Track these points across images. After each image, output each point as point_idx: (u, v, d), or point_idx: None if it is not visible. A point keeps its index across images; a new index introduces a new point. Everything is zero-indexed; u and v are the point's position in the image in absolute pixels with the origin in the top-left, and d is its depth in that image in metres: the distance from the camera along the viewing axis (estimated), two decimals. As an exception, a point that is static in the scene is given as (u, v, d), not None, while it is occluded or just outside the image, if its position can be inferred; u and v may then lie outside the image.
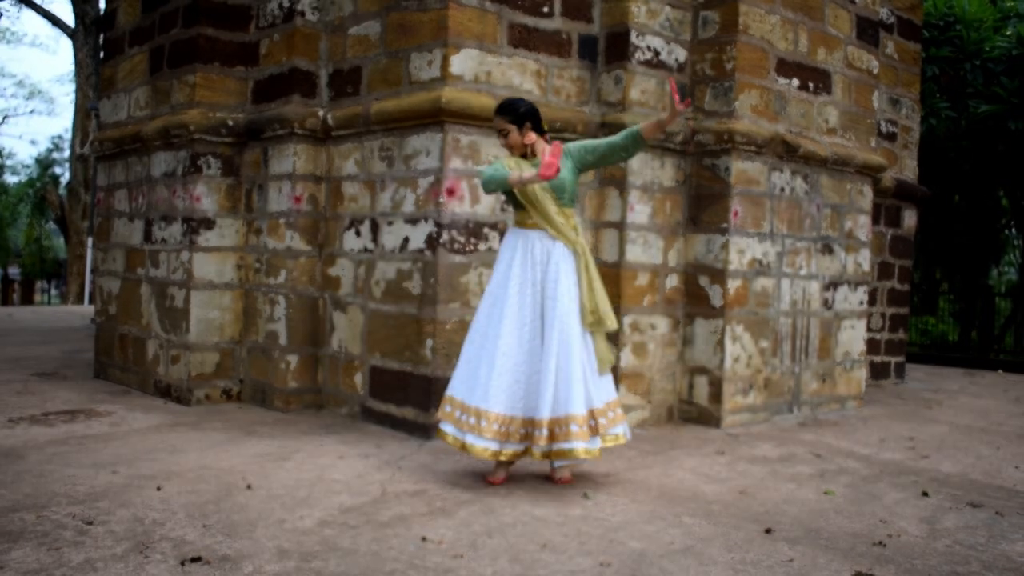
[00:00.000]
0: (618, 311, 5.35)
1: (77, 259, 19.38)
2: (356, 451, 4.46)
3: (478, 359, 3.84)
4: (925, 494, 4.00)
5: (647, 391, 5.51)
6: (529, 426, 3.81)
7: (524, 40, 5.15)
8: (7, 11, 25.68)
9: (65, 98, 49.00)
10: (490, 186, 3.87)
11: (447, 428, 3.85)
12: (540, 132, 3.97)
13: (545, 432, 3.74)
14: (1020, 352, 11.36)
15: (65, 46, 58.95)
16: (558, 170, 3.62)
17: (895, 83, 8.08)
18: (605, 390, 3.93)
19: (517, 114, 3.92)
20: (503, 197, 4.98)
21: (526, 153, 3.97)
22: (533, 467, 4.20)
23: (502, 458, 3.82)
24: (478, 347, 3.87)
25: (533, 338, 3.84)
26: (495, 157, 4.75)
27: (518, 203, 3.92)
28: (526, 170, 3.82)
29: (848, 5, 6.34)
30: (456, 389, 3.89)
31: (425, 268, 4.87)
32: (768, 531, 3.34)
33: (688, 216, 5.72)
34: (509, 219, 5.03)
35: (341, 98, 5.51)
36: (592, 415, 3.81)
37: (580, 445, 3.72)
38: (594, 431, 3.79)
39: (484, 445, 3.75)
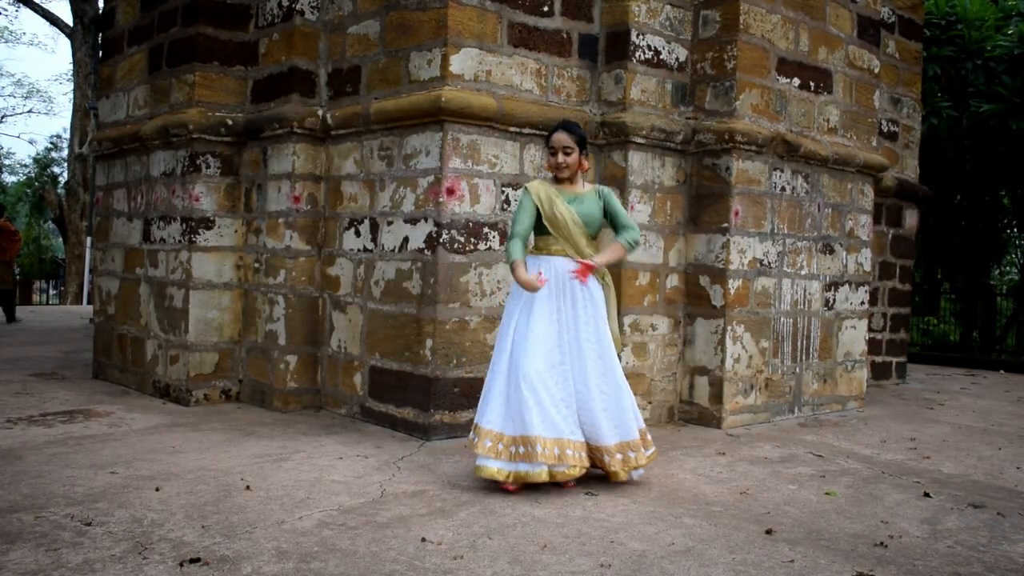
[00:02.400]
0: (619, 311, 5.33)
1: (76, 259, 19.36)
2: (355, 452, 4.45)
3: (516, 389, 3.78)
4: (926, 495, 3.99)
5: (647, 391, 5.49)
6: (591, 451, 3.86)
7: (524, 39, 5.14)
8: (5, 10, 25.69)
9: (63, 97, 48.98)
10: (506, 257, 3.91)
11: (494, 464, 3.74)
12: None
13: (620, 457, 3.85)
14: (1022, 352, 11.35)
15: (63, 45, 58.91)
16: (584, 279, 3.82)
17: (896, 82, 8.06)
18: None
19: (582, 136, 3.96)
20: (511, 204, 4.98)
21: (568, 178, 3.96)
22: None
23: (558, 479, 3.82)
24: (507, 376, 3.83)
25: (563, 362, 3.84)
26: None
27: (545, 231, 3.91)
28: (559, 204, 3.86)
29: (849, 4, 6.32)
30: (496, 423, 3.79)
31: (425, 268, 4.85)
32: (769, 532, 3.33)
33: (689, 216, 5.70)
34: (508, 218, 5.01)
35: (340, 97, 5.50)
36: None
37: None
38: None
39: (538, 470, 3.73)
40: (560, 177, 3.97)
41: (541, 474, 3.71)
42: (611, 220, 4.03)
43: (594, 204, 3.95)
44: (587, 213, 3.92)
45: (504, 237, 5.00)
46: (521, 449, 3.70)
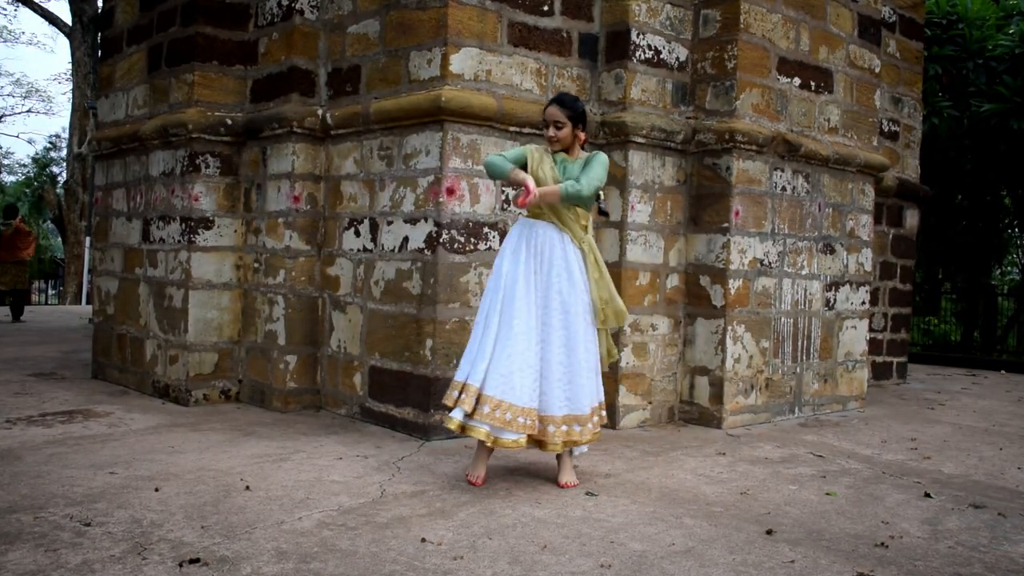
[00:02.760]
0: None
1: (75, 259, 19.36)
2: (355, 452, 4.44)
3: (503, 350, 3.78)
4: (927, 495, 3.98)
5: (648, 391, 5.48)
6: (543, 421, 3.82)
7: (524, 39, 5.13)
8: (5, 9, 25.68)
9: (63, 97, 49.01)
10: (491, 170, 3.93)
11: (484, 425, 3.73)
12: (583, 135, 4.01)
13: (564, 428, 3.81)
14: (1022, 352, 11.34)
15: (63, 45, 58.93)
16: (528, 203, 3.75)
17: (897, 82, 8.05)
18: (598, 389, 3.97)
19: (575, 111, 3.94)
20: (511, 204, 4.96)
21: (567, 149, 3.97)
22: (532, 468, 4.18)
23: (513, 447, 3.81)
24: (494, 338, 3.81)
25: (539, 328, 3.83)
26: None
27: None
28: (545, 164, 3.89)
29: (850, 4, 6.31)
30: (480, 380, 3.77)
31: (425, 268, 4.84)
32: (769, 532, 3.32)
33: (689, 216, 5.70)
34: (508, 218, 5.00)
35: (340, 97, 5.49)
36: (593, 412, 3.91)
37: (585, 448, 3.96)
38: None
39: (514, 438, 3.73)
40: (555, 149, 3.98)
41: (483, 433, 3.73)
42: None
43: (578, 167, 3.92)
44: (571, 174, 3.89)
45: (504, 237, 4.98)
46: (503, 414, 3.71)
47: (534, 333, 3.80)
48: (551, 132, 3.92)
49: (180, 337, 5.78)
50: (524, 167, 3.89)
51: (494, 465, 4.21)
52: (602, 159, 3.92)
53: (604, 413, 4.00)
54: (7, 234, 11.98)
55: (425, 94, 4.80)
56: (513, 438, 3.72)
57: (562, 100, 3.94)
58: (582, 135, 3.96)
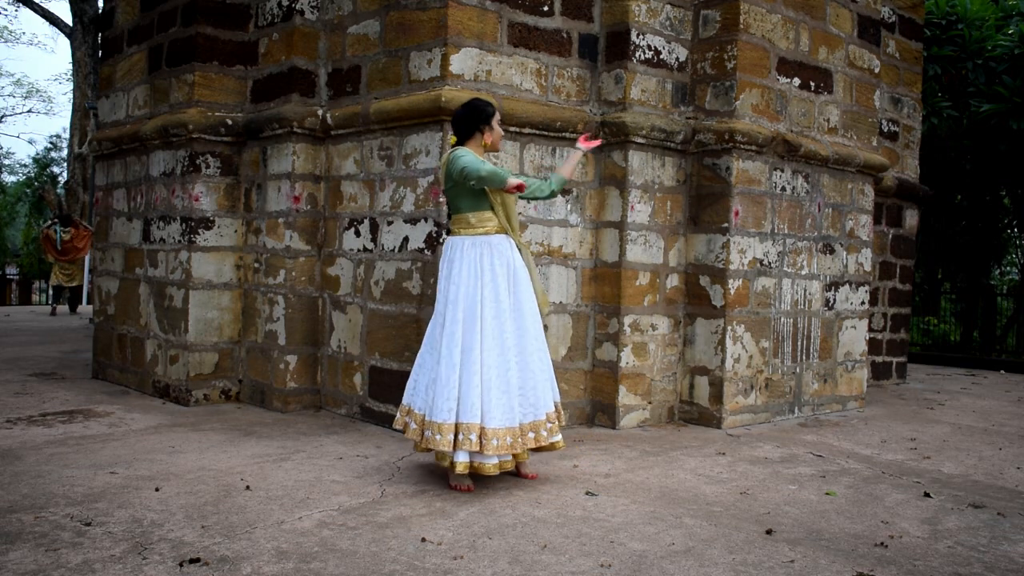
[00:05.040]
0: (618, 311, 5.33)
1: (76, 259, 19.32)
2: (355, 452, 4.44)
3: (471, 379, 3.72)
4: (927, 495, 3.98)
5: (647, 391, 5.49)
6: (532, 429, 3.83)
7: (524, 39, 5.13)
8: (5, 10, 25.67)
9: (63, 97, 48.97)
10: (493, 180, 3.70)
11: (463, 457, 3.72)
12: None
13: (548, 428, 3.85)
14: (1022, 352, 11.34)
15: (63, 45, 58.87)
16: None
17: (897, 82, 8.06)
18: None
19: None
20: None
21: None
22: (536, 468, 4.18)
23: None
24: (454, 364, 3.74)
25: (515, 348, 3.83)
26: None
27: (483, 205, 3.82)
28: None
29: (849, 4, 6.32)
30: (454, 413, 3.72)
31: (425, 268, 4.85)
32: (769, 532, 3.32)
33: (689, 216, 5.70)
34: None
35: (340, 97, 5.50)
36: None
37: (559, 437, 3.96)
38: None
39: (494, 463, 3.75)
40: (496, 149, 4.00)
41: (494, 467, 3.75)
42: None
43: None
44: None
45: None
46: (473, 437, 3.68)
47: (513, 353, 3.80)
48: (490, 138, 3.94)
49: (180, 337, 5.78)
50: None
51: (494, 465, 4.22)
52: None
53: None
54: (67, 241, 13.30)
55: (425, 94, 4.80)
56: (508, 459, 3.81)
57: (493, 107, 4.00)
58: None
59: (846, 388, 6.42)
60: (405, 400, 3.94)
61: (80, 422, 5.04)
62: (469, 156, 3.78)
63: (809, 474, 4.32)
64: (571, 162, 4.11)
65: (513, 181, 3.70)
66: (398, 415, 3.97)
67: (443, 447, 3.69)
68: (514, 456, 3.84)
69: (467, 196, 3.83)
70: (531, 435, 3.80)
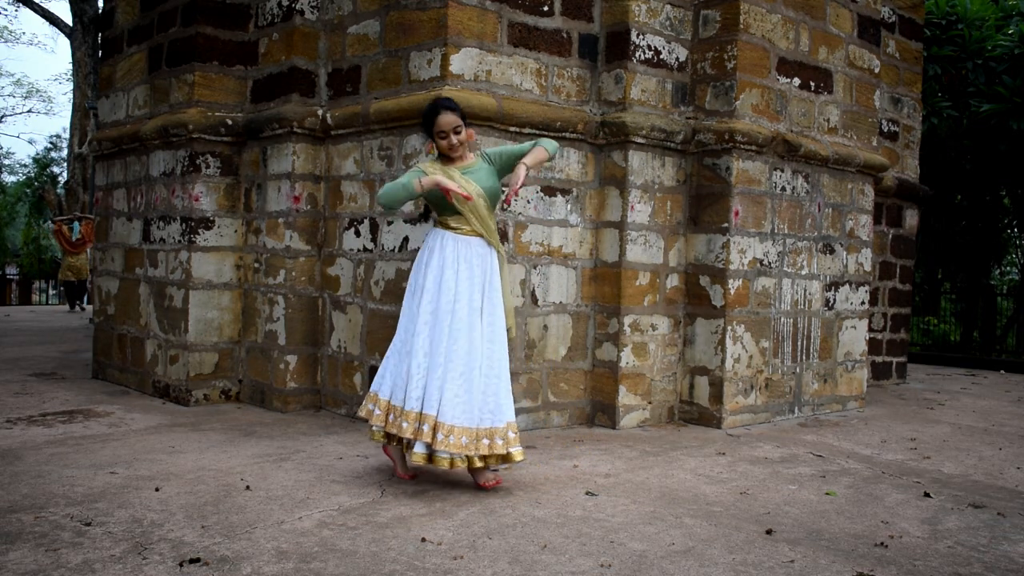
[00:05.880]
0: (618, 311, 5.33)
1: (76, 259, 19.33)
2: (355, 452, 4.44)
3: (434, 371, 3.70)
4: (927, 495, 3.98)
5: (647, 391, 5.49)
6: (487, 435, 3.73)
7: (524, 39, 5.13)
8: (5, 10, 25.67)
9: (63, 97, 49.02)
10: (390, 197, 3.73)
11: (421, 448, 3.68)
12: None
13: (506, 437, 3.74)
14: (1022, 352, 11.35)
15: (63, 45, 58.92)
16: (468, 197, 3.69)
17: (897, 82, 8.06)
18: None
19: (462, 110, 3.84)
20: (510, 203, 4.94)
21: (459, 155, 3.85)
22: (532, 468, 4.18)
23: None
24: (432, 359, 3.71)
25: (484, 348, 3.77)
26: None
27: (453, 210, 3.78)
28: (459, 180, 3.75)
29: (849, 4, 6.32)
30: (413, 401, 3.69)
31: (425, 268, 4.84)
32: (769, 532, 3.32)
33: (689, 216, 5.70)
34: (508, 218, 5.00)
35: (340, 97, 5.50)
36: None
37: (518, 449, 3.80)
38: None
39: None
40: (452, 156, 3.83)
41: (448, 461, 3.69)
42: (513, 156, 3.90)
43: (485, 171, 3.84)
44: (485, 182, 3.81)
45: (503, 237, 4.99)
46: (425, 427, 3.64)
47: (478, 354, 3.74)
48: (452, 140, 3.77)
49: (180, 337, 5.78)
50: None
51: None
52: (507, 145, 3.85)
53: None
54: (79, 236, 14.59)
55: (425, 94, 4.80)
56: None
57: (448, 104, 3.79)
58: (472, 132, 3.88)
59: (846, 388, 6.42)
60: (372, 388, 3.87)
61: (80, 422, 5.04)
62: (402, 176, 3.78)
63: (809, 474, 4.32)
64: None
65: (429, 183, 3.66)
66: (364, 402, 3.88)
67: (407, 435, 3.66)
68: (467, 458, 3.71)
69: (438, 204, 3.82)
70: (485, 441, 3.68)
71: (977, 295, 12.04)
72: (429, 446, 3.66)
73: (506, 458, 3.75)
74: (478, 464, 3.71)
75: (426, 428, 3.63)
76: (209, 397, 5.79)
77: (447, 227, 3.82)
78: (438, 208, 3.85)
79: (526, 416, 5.08)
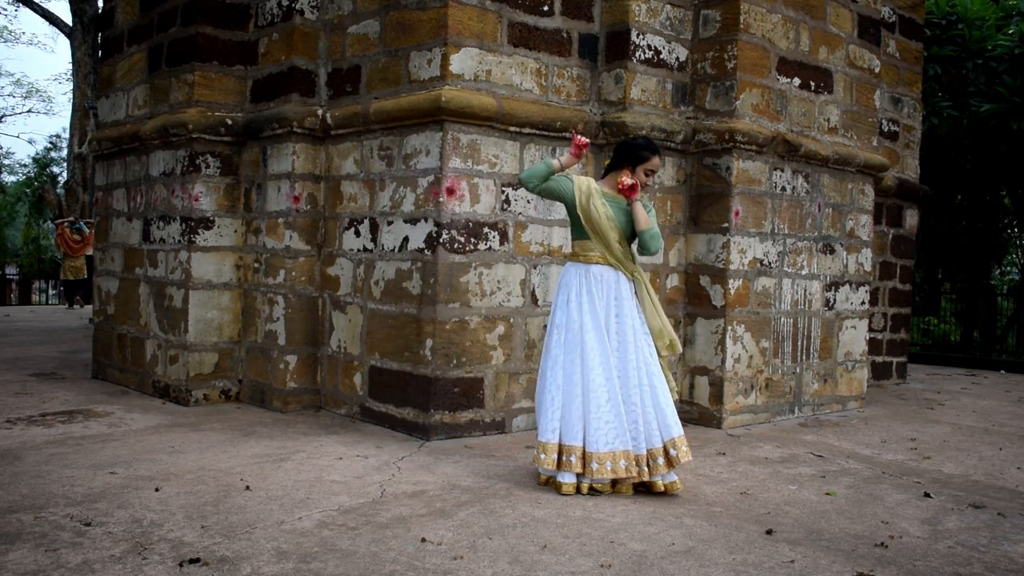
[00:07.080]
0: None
1: (76, 259, 19.33)
2: (355, 452, 4.44)
3: (573, 401, 3.78)
4: (927, 495, 3.98)
5: (648, 391, 5.48)
6: (640, 460, 3.79)
7: (524, 39, 5.13)
8: (5, 10, 25.66)
9: (63, 97, 48.95)
10: (538, 171, 3.85)
11: (567, 478, 3.76)
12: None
13: (662, 460, 3.80)
14: (1022, 352, 11.35)
15: (63, 45, 58.84)
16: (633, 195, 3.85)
17: (897, 82, 8.05)
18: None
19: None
20: (511, 204, 4.94)
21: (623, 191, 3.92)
22: (531, 469, 4.18)
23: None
24: (566, 390, 3.81)
25: (617, 374, 3.83)
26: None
27: (583, 233, 3.89)
28: (596, 199, 3.84)
29: (849, 4, 6.32)
30: (563, 435, 3.79)
31: (425, 268, 4.84)
32: (769, 532, 3.32)
33: (689, 216, 5.70)
34: (508, 218, 5.00)
35: (340, 97, 5.49)
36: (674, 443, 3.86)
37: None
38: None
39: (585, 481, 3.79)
40: (630, 193, 3.89)
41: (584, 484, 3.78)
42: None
43: (625, 211, 3.90)
44: (621, 217, 3.90)
45: (504, 237, 4.99)
46: (572, 459, 3.74)
47: (616, 381, 3.80)
48: (649, 181, 3.93)
49: (180, 337, 5.78)
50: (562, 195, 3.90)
51: (493, 465, 4.22)
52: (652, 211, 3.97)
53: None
54: (78, 241, 15.22)
55: (425, 94, 4.80)
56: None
57: (657, 148, 3.93)
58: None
59: (846, 388, 6.41)
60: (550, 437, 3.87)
61: (80, 422, 5.04)
62: (558, 179, 3.92)
63: (809, 474, 4.32)
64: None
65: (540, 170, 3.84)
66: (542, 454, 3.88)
67: (547, 466, 3.78)
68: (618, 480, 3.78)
69: (573, 224, 3.96)
70: (627, 463, 3.75)
71: (977, 295, 12.04)
72: (578, 476, 3.77)
73: (650, 485, 3.85)
74: (627, 490, 3.86)
75: (573, 459, 3.74)
76: (209, 397, 5.79)
77: (574, 256, 3.95)
78: (575, 231, 3.95)
79: (527, 416, 5.08)
